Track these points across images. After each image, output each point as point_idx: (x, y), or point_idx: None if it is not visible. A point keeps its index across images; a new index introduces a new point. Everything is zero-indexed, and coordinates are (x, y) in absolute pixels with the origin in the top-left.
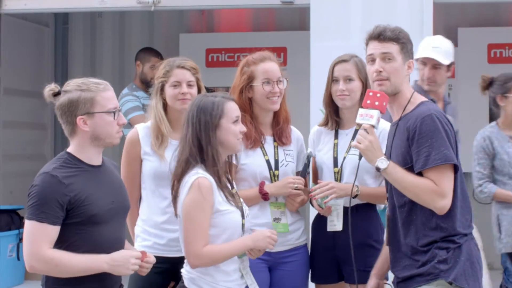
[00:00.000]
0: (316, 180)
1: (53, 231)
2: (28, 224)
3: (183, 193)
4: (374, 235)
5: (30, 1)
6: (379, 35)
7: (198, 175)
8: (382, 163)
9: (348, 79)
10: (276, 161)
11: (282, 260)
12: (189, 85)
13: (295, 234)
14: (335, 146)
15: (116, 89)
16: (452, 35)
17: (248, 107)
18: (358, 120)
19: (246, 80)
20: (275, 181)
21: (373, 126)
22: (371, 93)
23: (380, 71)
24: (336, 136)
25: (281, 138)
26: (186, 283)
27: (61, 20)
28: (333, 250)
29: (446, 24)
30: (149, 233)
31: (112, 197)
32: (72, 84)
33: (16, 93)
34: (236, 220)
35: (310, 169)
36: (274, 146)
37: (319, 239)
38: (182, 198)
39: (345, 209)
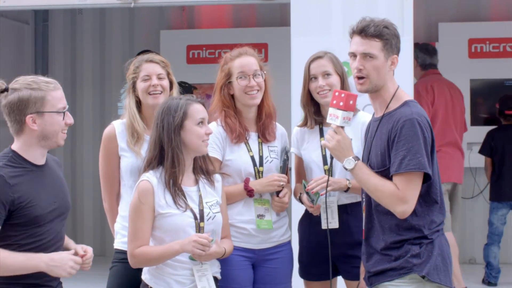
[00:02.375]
0: (300, 179)
1: None
2: None
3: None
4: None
5: None
6: (361, 31)
7: (143, 178)
8: (349, 163)
9: (326, 74)
10: (261, 157)
11: (266, 257)
12: (159, 78)
13: (279, 231)
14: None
15: (97, 87)
16: (432, 30)
17: (230, 103)
18: (327, 120)
19: (225, 77)
20: (259, 177)
21: (341, 127)
22: (336, 93)
23: (361, 69)
24: (321, 134)
25: (264, 134)
26: (143, 271)
27: (41, 18)
28: (327, 248)
29: (427, 19)
30: None
31: (54, 198)
32: (21, 82)
33: None
34: (178, 223)
35: (292, 165)
36: (259, 143)
37: (311, 237)
38: None
39: (340, 207)
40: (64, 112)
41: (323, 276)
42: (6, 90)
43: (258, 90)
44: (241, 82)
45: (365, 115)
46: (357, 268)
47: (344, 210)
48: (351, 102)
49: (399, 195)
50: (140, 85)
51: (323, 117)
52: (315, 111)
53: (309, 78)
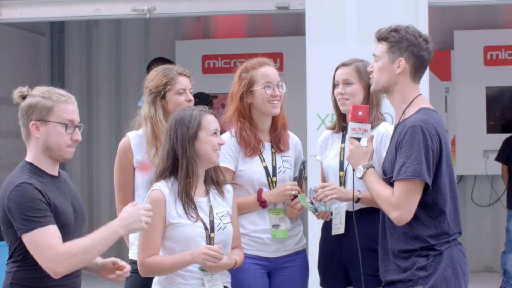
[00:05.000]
0: None
1: (57, 229)
2: (33, 235)
3: None
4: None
5: (26, 10)
6: (376, 36)
7: (154, 187)
8: (359, 171)
9: (347, 83)
10: (274, 168)
11: (281, 265)
12: (190, 92)
13: (294, 239)
14: (342, 150)
15: (112, 98)
16: (448, 38)
17: (247, 114)
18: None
19: (246, 85)
20: (273, 187)
21: (356, 138)
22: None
23: (371, 71)
24: (343, 141)
25: (278, 144)
26: (153, 281)
27: (57, 29)
28: (339, 254)
29: (442, 27)
30: None
31: (74, 207)
32: (38, 90)
33: (13, 103)
34: (189, 233)
35: (319, 175)
36: (272, 153)
37: (326, 244)
38: None
39: (349, 213)
40: (67, 124)
41: (338, 284)
42: (26, 97)
43: (279, 100)
44: (268, 91)
45: (385, 125)
46: (365, 276)
47: (352, 216)
48: (360, 113)
49: (392, 202)
50: (175, 98)
51: (346, 124)
52: (340, 116)
53: (333, 83)
